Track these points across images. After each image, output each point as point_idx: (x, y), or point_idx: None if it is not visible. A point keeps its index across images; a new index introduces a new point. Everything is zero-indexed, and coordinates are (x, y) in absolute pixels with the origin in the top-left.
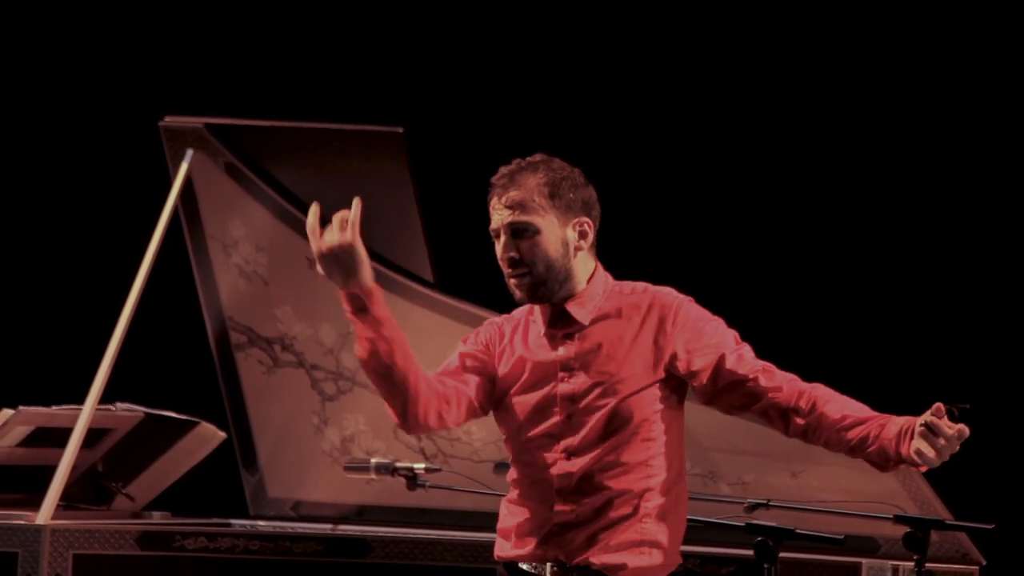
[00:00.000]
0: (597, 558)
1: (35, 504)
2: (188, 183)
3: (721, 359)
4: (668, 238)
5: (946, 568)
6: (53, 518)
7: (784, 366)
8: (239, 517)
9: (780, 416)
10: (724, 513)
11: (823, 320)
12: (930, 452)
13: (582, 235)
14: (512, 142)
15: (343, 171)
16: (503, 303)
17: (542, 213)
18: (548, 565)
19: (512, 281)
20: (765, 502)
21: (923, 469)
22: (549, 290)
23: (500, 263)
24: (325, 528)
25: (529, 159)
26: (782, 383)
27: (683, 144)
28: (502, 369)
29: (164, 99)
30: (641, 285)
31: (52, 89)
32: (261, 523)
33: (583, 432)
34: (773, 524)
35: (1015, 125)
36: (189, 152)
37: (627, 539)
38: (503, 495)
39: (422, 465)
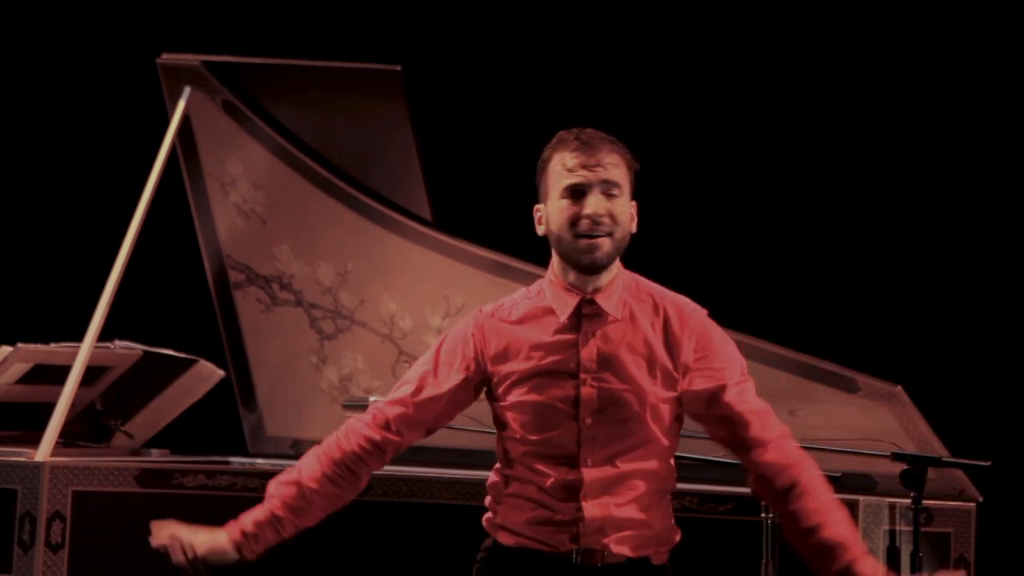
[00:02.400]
0: (621, 549)
1: (34, 441)
2: (186, 121)
3: (721, 389)
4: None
5: (943, 505)
6: (52, 455)
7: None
8: (238, 455)
9: (754, 472)
10: (722, 452)
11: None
12: None
13: (631, 218)
14: (510, 81)
15: (341, 109)
16: (500, 241)
17: (624, 182)
18: (573, 551)
19: (585, 242)
20: None
21: None
22: (612, 261)
23: (566, 225)
24: None
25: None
26: (771, 439)
27: (684, 108)
28: (503, 366)
29: (162, 36)
30: (658, 289)
31: (51, 25)
32: (260, 461)
33: (605, 438)
34: None
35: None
36: (187, 90)
37: (648, 538)
38: None
39: None
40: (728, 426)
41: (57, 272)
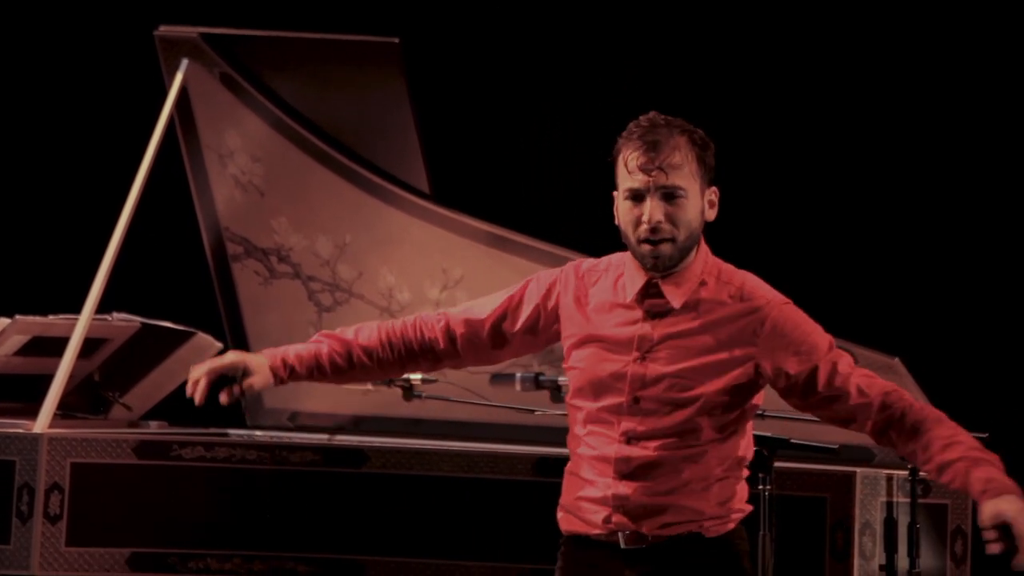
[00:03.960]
0: (668, 530)
1: (32, 413)
2: (183, 93)
3: (814, 372)
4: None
5: None
6: (50, 427)
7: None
8: (236, 427)
9: (877, 434)
10: None
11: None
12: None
13: (711, 205)
14: (509, 53)
15: (339, 82)
16: (498, 214)
17: (691, 179)
18: (621, 534)
19: (647, 248)
20: (760, 412)
21: None
22: (676, 262)
23: (630, 226)
24: (322, 438)
25: (666, 117)
26: (871, 400)
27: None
28: (569, 325)
29: (159, 8)
30: (739, 276)
31: None
32: (258, 433)
33: (648, 420)
34: (768, 434)
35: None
36: (184, 62)
37: (692, 518)
38: (499, 406)
39: (418, 376)
40: (832, 405)
41: (55, 244)
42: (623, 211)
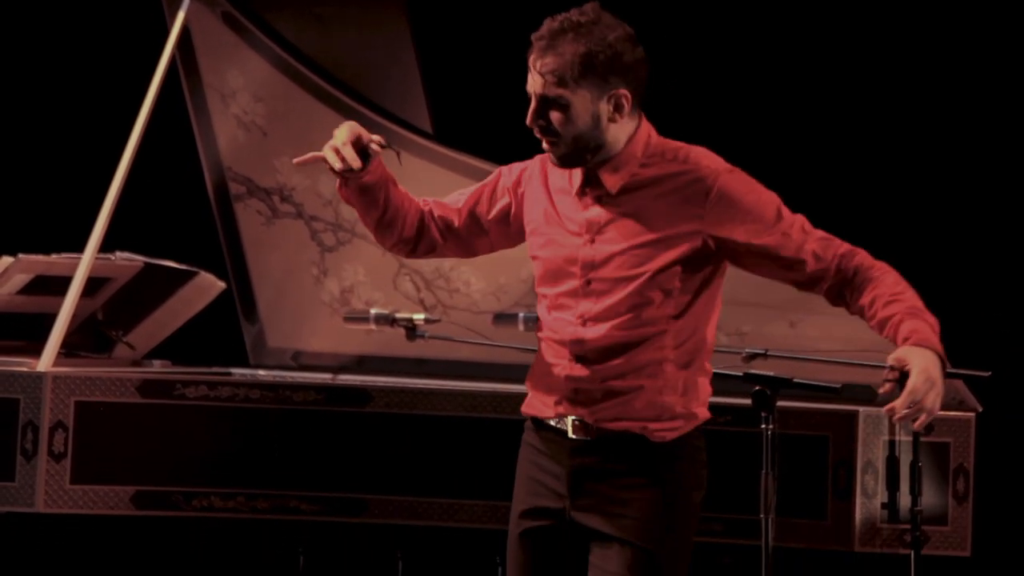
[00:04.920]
0: (616, 424)
1: (36, 352)
2: (185, 33)
3: (764, 245)
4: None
5: (942, 415)
6: (54, 365)
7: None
8: (239, 366)
9: (833, 296)
10: (722, 363)
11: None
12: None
13: (617, 107)
14: None
15: (342, 22)
16: (502, 154)
17: (574, 87)
18: (570, 419)
19: (544, 144)
20: (763, 352)
21: None
22: (579, 159)
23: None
24: (325, 378)
25: (575, 19)
26: (831, 262)
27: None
28: (529, 213)
29: None
30: (684, 150)
31: None
32: (261, 372)
33: (601, 301)
34: (771, 373)
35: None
36: (186, 1)
37: (645, 409)
38: (502, 346)
39: (421, 316)
40: (787, 273)
41: (58, 183)
42: None
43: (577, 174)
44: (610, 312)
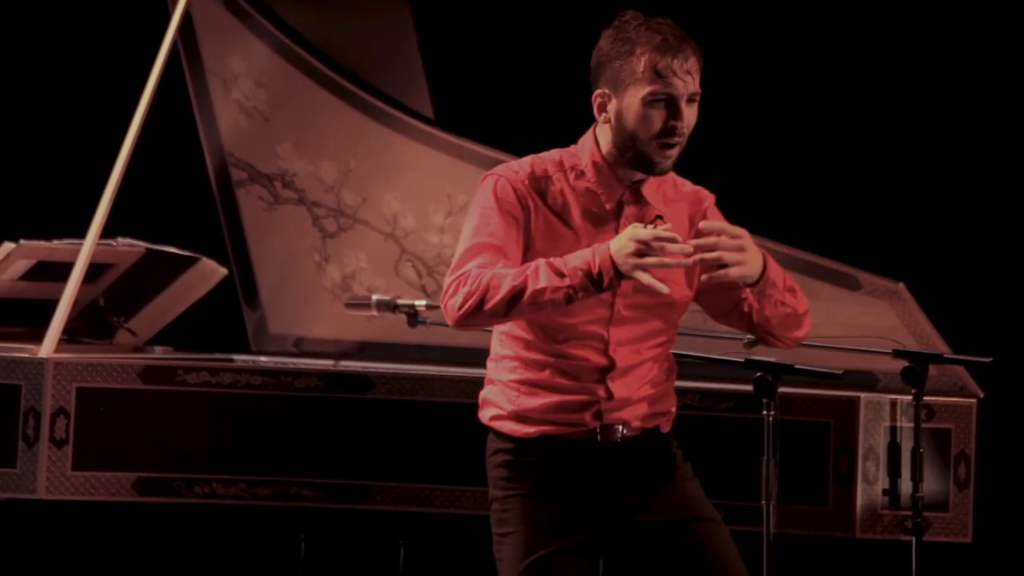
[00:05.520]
0: (640, 422)
1: (38, 338)
2: (187, 17)
3: None
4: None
5: (944, 401)
6: (56, 352)
7: None
8: (241, 353)
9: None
10: (723, 349)
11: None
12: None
13: None
14: None
15: (344, 7)
16: (501, 140)
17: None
18: (595, 429)
19: (666, 151)
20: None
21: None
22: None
23: (652, 132)
24: (327, 364)
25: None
26: None
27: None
28: (542, 238)
29: None
30: (678, 178)
31: None
32: (263, 359)
33: (633, 324)
34: (772, 359)
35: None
36: None
37: (661, 405)
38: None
39: (423, 302)
40: (731, 290)
41: (60, 169)
42: (641, 115)
43: (613, 190)
44: (640, 335)
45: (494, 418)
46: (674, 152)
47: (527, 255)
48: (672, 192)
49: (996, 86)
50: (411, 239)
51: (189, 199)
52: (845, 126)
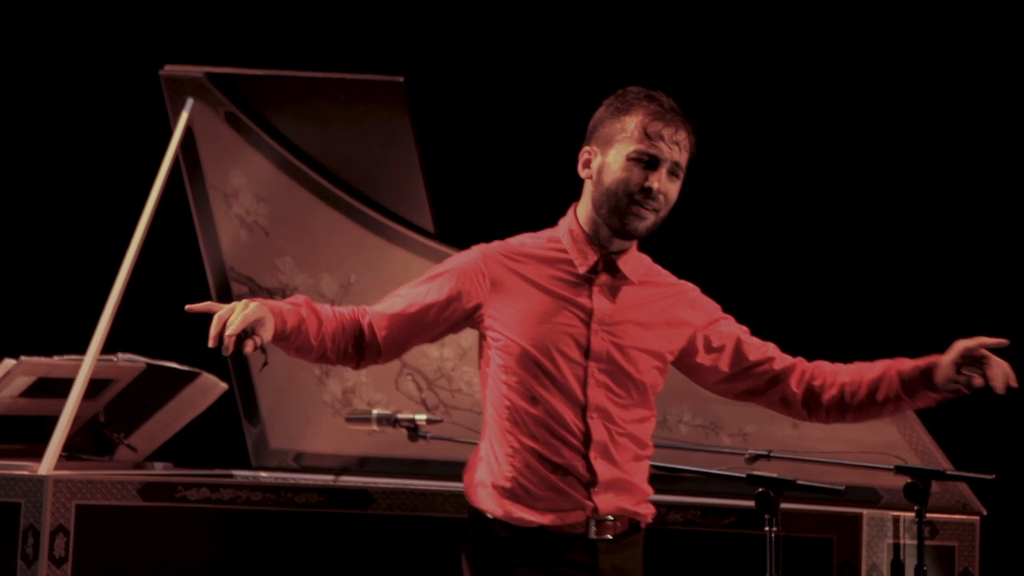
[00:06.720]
0: (633, 508)
1: (37, 455)
2: (188, 132)
3: (739, 342)
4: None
5: (947, 518)
6: (56, 468)
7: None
8: (241, 468)
9: (803, 391)
10: (725, 464)
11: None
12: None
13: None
14: (512, 92)
15: (344, 121)
16: None
17: (686, 166)
18: (589, 520)
19: (637, 209)
20: (766, 453)
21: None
22: (646, 235)
23: (628, 188)
24: (327, 479)
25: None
26: (794, 360)
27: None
28: (510, 300)
29: (164, 48)
30: (656, 266)
31: (54, 37)
32: (263, 474)
33: (608, 392)
34: (774, 475)
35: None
36: (189, 101)
37: (644, 490)
38: None
39: (423, 416)
40: (755, 369)
41: (60, 284)
42: (621, 170)
43: (587, 257)
44: (612, 406)
45: (483, 496)
46: (648, 216)
47: (476, 305)
48: (650, 275)
49: (987, 194)
50: (411, 353)
51: (190, 314)
52: (844, 235)
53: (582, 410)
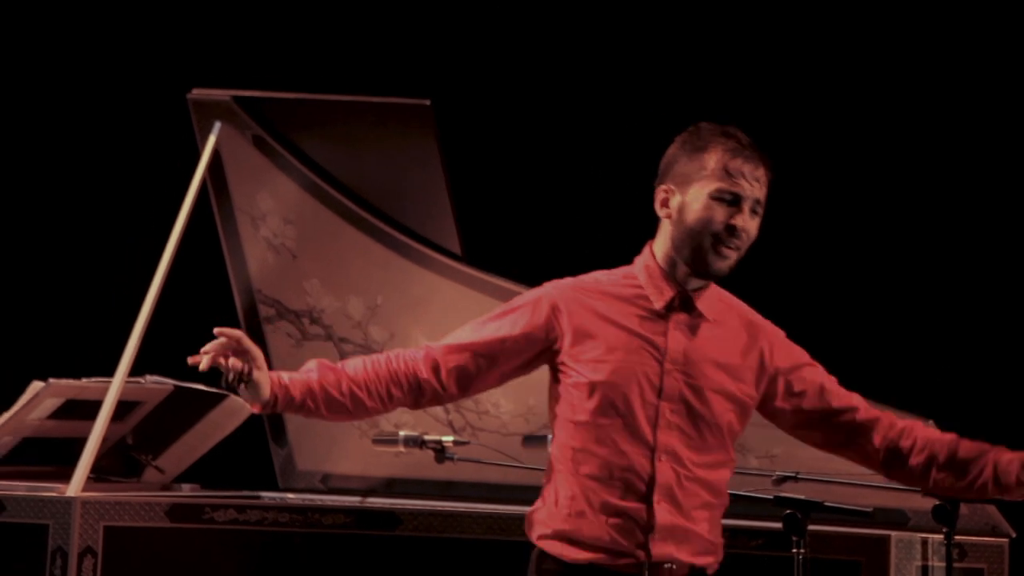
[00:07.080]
0: (689, 559)
1: (66, 476)
2: (216, 156)
3: (822, 389)
4: None
5: (975, 540)
6: (84, 490)
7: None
8: (268, 490)
9: (885, 448)
10: (753, 486)
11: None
12: None
13: None
14: (540, 115)
15: (371, 144)
16: (531, 275)
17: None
18: (644, 564)
19: (721, 248)
20: (794, 475)
21: None
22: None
23: (712, 227)
24: (354, 501)
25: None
26: (879, 413)
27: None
28: (583, 338)
29: (192, 71)
30: (737, 300)
31: (84, 62)
32: (290, 496)
33: (680, 434)
34: (802, 497)
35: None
36: (217, 124)
37: (710, 540)
38: (532, 468)
39: (450, 438)
40: (837, 418)
41: (89, 307)
42: (703, 209)
43: (663, 294)
44: (688, 447)
45: (544, 534)
46: (731, 255)
47: (547, 345)
48: (729, 313)
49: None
50: None
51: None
52: (871, 261)
53: (651, 452)
